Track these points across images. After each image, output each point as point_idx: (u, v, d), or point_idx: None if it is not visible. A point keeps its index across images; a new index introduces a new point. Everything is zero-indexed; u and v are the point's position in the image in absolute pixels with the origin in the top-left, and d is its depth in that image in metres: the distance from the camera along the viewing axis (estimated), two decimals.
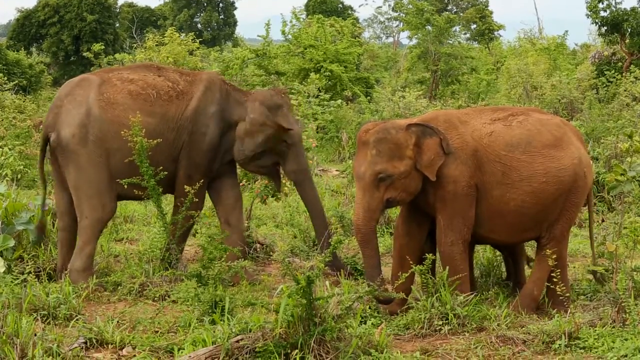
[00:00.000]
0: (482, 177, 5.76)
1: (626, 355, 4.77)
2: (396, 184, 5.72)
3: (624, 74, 17.87)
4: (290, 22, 20.22)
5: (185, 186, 6.36)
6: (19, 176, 10.55)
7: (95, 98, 6.31)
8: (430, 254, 5.70)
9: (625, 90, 15.83)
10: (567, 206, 5.89)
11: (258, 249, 7.64)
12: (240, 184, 10.61)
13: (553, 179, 5.78)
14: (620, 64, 19.60)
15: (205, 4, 47.59)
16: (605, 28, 19.42)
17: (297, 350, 4.56)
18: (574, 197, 5.91)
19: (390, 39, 50.77)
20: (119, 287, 6.17)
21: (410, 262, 5.68)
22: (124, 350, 4.91)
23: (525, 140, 5.80)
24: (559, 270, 5.71)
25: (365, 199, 5.74)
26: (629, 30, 19.20)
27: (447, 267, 5.69)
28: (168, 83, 6.60)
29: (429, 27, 23.04)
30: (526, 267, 6.52)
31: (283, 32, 19.97)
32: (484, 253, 6.92)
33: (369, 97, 18.98)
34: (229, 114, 6.72)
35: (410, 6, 24.06)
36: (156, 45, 19.72)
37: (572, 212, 5.96)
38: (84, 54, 22.91)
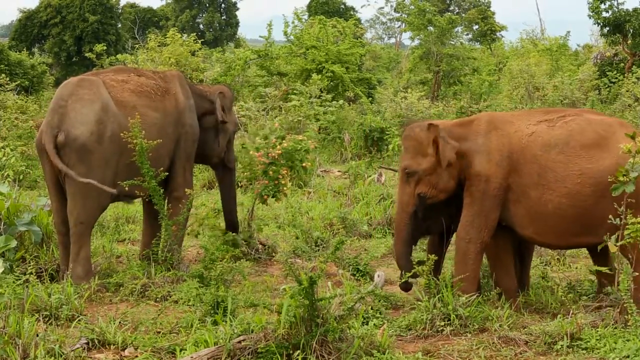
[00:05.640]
0: (518, 178, 5.71)
1: (628, 356, 4.76)
2: (423, 180, 5.91)
3: (626, 75, 17.87)
4: (292, 22, 20.23)
5: (186, 189, 6.57)
6: (21, 177, 10.55)
7: (108, 95, 6.33)
8: (433, 255, 5.69)
9: (627, 91, 15.84)
10: (612, 210, 5.38)
11: (260, 250, 7.63)
12: (241, 184, 10.64)
13: (589, 181, 5.58)
14: (622, 64, 19.58)
15: (207, 5, 47.54)
16: (608, 29, 19.38)
17: (299, 351, 4.56)
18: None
19: (392, 40, 50.93)
20: (121, 288, 6.16)
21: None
22: (126, 351, 4.91)
23: (563, 140, 5.66)
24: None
25: (399, 193, 6.11)
26: (631, 31, 19.17)
27: (457, 262, 5.71)
28: (152, 81, 6.73)
29: (431, 28, 23.01)
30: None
31: (285, 33, 19.96)
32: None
33: (371, 98, 18.97)
34: (196, 106, 6.95)
35: (412, 7, 24.03)
36: (158, 46, 19.74)
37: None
38: (86, 54, 22.91)
